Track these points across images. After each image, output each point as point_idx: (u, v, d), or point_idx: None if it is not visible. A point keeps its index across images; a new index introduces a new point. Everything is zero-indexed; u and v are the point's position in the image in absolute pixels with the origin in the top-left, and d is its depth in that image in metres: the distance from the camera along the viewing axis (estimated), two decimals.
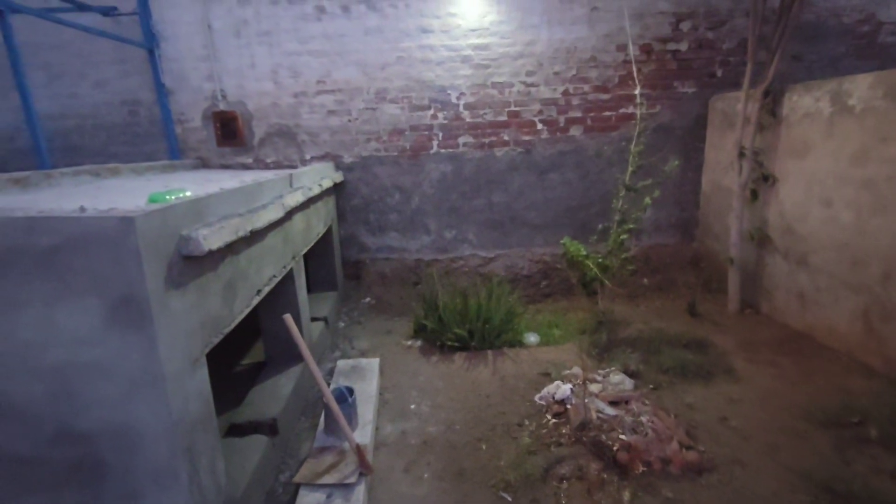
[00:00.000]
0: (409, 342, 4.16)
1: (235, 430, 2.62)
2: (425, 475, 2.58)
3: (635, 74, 4.46)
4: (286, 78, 4.70)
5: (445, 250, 5.19)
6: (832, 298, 3.64)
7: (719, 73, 4.97)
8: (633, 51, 4.67)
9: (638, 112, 4.32)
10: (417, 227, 5.11)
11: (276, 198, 2.85)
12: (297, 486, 2.38)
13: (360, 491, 2.34)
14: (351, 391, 2.87)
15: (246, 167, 4.89)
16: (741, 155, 4.21)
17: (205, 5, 4.52)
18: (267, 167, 4.87)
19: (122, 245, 1.46)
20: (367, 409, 3.01)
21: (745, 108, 4.18)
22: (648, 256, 5.29)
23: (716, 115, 4.92)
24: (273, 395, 2.94)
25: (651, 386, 3.33)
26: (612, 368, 3.48)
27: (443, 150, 4.96)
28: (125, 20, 4.52)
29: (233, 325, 2.14)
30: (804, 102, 3.80)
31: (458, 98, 4.84)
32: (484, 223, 5.15)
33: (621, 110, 4.96)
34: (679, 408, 3.05)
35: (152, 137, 4.85)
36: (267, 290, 2.67)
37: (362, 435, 2.77)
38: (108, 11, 4.44)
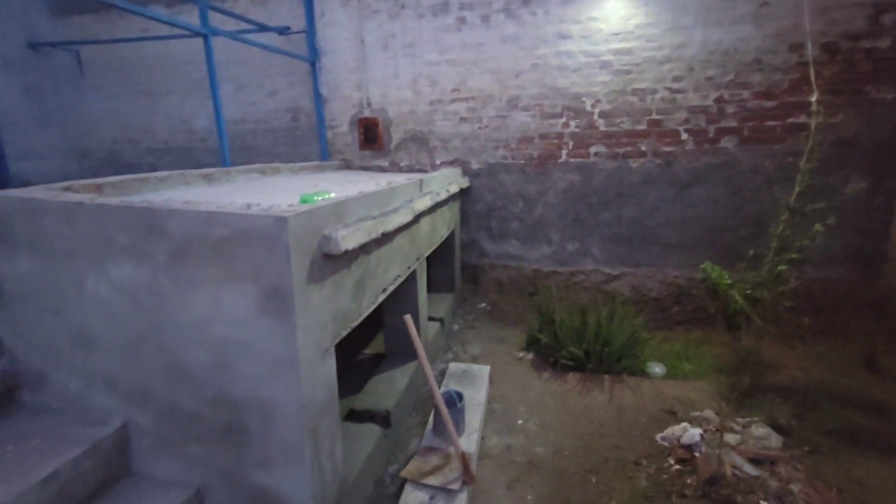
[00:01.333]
0: (521, 354, 4.08)
1: (353, 416, 2.82)
2: (528, 497, 2.50)
3: (812, 78, 3.80)
4: (424, 87, 4.94)
5: (566, 263, 4.99)
6: None
7: None
8: (810, 50, 3.99)
9: (813, 122, 3.69)
10: (538, 236, 5.00)
11: (406, 202, 3.00)
12: (403, 480, 2.48)
13: (462, 499, 2.35)
14: (461, 396, 2.90)
15: (382, 170, 5.26)
16: None
17: (360, 22, 4.97)
18: (400, 170, 5.17)
19: (276, 241, 1.64)
20: (474, 416, 3.02)
21: None
22: (812, 292, 4.47)
23: None
24: (389, 389, 3.10)
25: (806, 448, 2.80)
26: (755, 419, 3.01)
27: (572, 160, 4.77)
28: (295, 38, 5.16)
29: (360, 320, 2.30)
30: None
31: (592, 106, 4.62)
32: (610, 238, 4.84)
33: (789, 120, 4.26)
34: (844, 482, 2.53)
35: (308, 140, 5.47)
36: (392, 288, 2.82)
37: (468, 442, 2.79)
38: (283, 31, 5.11)
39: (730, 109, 4.40)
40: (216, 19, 4.58)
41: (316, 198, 2.29)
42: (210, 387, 1.84)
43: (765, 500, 2.28)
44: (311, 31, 5.05)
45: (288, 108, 5.44)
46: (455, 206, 4.78)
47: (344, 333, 2.14)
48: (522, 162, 4.89)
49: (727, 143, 4.46)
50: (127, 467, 1.97)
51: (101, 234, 1.82)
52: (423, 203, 3.24)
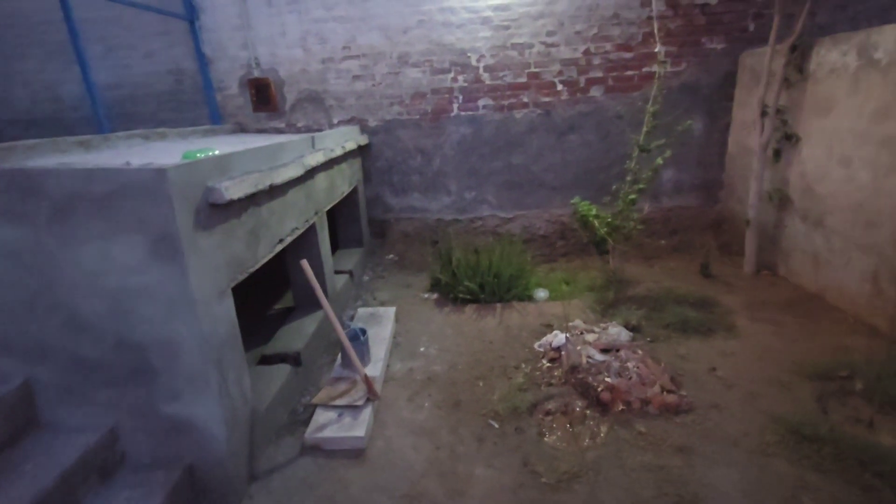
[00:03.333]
0: (426, 295, 4.48)
1: (265, 360, 3.05)
2: (426, 404, 2.92)
3: (656, 31, 4.38)
4: (314, 44, 4.94)
5: (465, 210, 5.40)
6: (844, 260, 3.62)
7: (752, 27, 4.77)
8: (655, 6, 4.56)
9: (657, 71, 4.28)
10: (438, 188, 5.34)
11: (297, 157, 3.16)
12: (314, 406, 2.79)
13: (367, 412, 2.71)
14: (364, 331, 3.23)
15: (279, 131, 5.24)
16: (764, 113, 4.12)
17: None
18: (298, 131, 5.20)
19: (158, 192, 1.79)
20: (380, 349, 3.38)
21: (769, 64, 4.05)
22: (668, 218, 5.30)
23: (745, 73, 4.75)
24: (298, 333, 3.34)
25: (649, 339, 3.49)
26: (613, 322, 3.66)
27: (463, 113, 5.10)
28: None
29: (256, 267, 2.50)
30: (831, 57, 3.65)
31: (477, 60, 4.93)
32: (503, 185, 5.30)
33: (644, 69, 4.88)
34: (671, 358, 3.22)
35: (195, 104, 5.27)
36: (289, 239, 3.02)
37: (373, 370, 3.14)
38: None
39: (596, 61, 4.92)
40: None
41: (198, 154, 2.40)
42: (111, 334, 1.98)
43: (608, 377, 2.89)
44: None
45: (169, 71, 5.18)
46: (356, 164, 4.95)
47: (241, 278, 2.34)
48: (417, 117, 5.14)
49: (595, 92, 5.01)
50: (35, 420, 2.07)
51: None
52: (316, 158, 3.41)
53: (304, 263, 2.83)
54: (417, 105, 5.09)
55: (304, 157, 3.22)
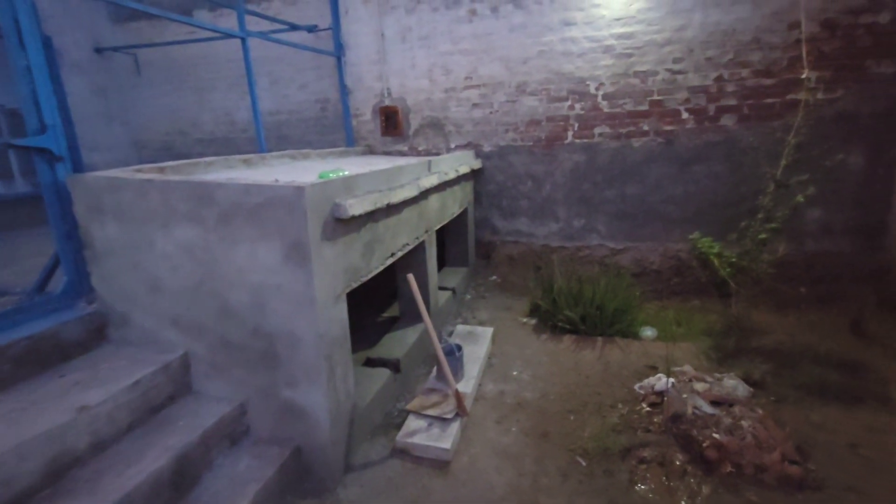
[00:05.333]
0: (525, 319, 4.48)
1: (369, 363, 3.33)
2: (513, 429, 2.93)
3: (804, 55, 3.94)
4: (439, 75, 5.33)
5: (573, 238, 5.31)
6: None
7: None
8: (806, 28, 4.11)
9: (803, 98, 3.86)
10: (547, 214, 5.34)
11: (413, 179, 3.45)
12: (408, 412, 2.96)
13: (455, 427, 2.81)
14: (459, 347, 3.35)
15: (402, 154, 5.71)
16: None
17: (380, 17, 5.39)
18: (419, 154, 5.61)
19: (296, 206, 2.13)
20: (474, 367, 3.47)
21: None
22: (812, 264, 4.63)
23: None
24: (400, 343, 3.58)
25: (773, 398, 3.10)
26: (730, 374, 3.31)
27: (577, 141, 5.07)
28: (322, 35, 5.65)
29: (369, 276, 2.78)
30: None
31: (596, 88, 4.88)
32: (615, 214, 5.12)
33: (789, 96, 4.40)
34: (800, 425, 2.82)
35: (335, 128, 5.99)
36: (400, 254, 3.29)
37: (465, 385, 3.24)
38: (311, 29, 5.61)
39: (729, 88, 4.57)
40: (252, 21, 5.12)
41: (331, 174, 2.77)
42: (250, 322, 2.36)
43: (717, 433, 2.62)
44: (336, 27, 5.52)
45: (317, 100, 5.97)
46: (468, 186, 5.18)
47: (355, 285, 2.62)
48: (531, 144, 5.22)
49: (727, 120, 4.64)
50: (189, 386, 2.54)
51: (166, 204, 2.36)
52: (430, 181, 3.67)
53: (410, 277, 3.05)
54: (532, 132, 5.19)
55: (420, 180, 3.49)
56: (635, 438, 2.77)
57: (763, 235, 3.68)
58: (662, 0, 4.51)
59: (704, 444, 2.58)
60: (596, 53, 4.81)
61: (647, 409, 3.03)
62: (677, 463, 2.57)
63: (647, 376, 3.38)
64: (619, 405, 3.10)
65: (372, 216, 2.77)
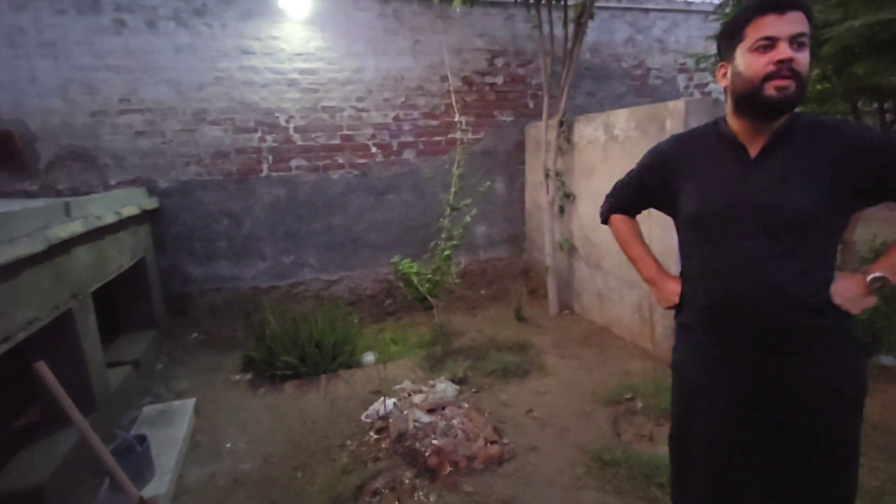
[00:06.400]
0: (238, 377, 3.89)
1: None
2: None
3: (454, 104, 4.85)
4: (80, 94, 4.17)
5: (284, 276, 5.00)
6: (619, 295, 4.30)
7: (531, 104, 5.64)
8: (452, 82, 5.09)
9: (458, 137, 4.72)
10: (251, 253, 4.86)
11: (37, 229, 2.50)
12: None
13: None
14: (143, 438, 2.58)
15: (29, 195, 4.19)
16: (547, 176, 4.80)
17: None
18: (59, 194, 4.22)
19: None
20: (169, 457, 2.74)
21: (545, 136, 4.79)
22: (485, 270, 5.71)
23: (530, 141, 5.56)
24: (45, 458, 2.51)
25: (474, 390, 3.55)
26: (441, 378, 3.65)
27: (274, 174, 4.82)
28: None
29: None
30: (587, 131, 4.49)
31: (287, 121, 4.77)
32: (324, 246, 5.09)
33: (450, 136, 5.33)
34: (494, 406, 3.30)
35: None
36: (23, 335, 2.30)
37: (159, 486, 2.51)
38: None
39: (406, 126, 5.21)
40: None
41: None
42: None
43: (435, 439, 2.79)
44: None
45: None
46: (142, 231, 4.20)
47: None
48: (221, 178, 4.67)
49: (408, 154, 5.27)
50: None
51: None
52: (70, 229, 2.75)
53: (41, 366, 2.15)
54: (220, 165, 4.64)
55: (51, 229, 2.56)
56: (366, 472, 2.68)
57: (447, 252, 4.28)
58: (338, 41, 4.79)
59: (426, 454, 2.70)
60: (281, 86, 4.70)
61: (375, 436, 3.01)
62: (406, 482, 2.60)
63: (373, 402, 3.39)
64: (348, 442, 2.97)
65: None
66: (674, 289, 1.58)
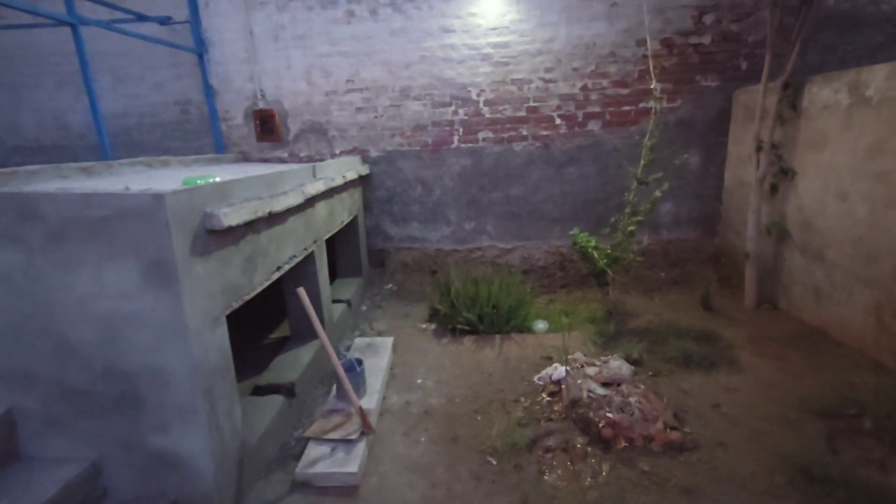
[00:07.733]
0: (424, 325, 4.42)
1: (258, 391, 2.97)
2: (422, 439, 2.83)
3: (651, 69, 4.49)
4: (318, 78, 5.07)
5: (465, 241, 5.41)
6: (846, 294, 3.58)
7: (744, 65, 4.90)
8: (650, 45, 4.70)
9: (653, 106, 4.38)
10: (438, 218, 5.36)
11: (297, 186, 3.18)
12: (307, 440, 2.70)
13: (361, 447, 2.62)
14: (360, 362, 3.16)
15: (282, 161, 5.31)
16: (759, 149, 4.17)
17: (247, 13, 4.96)
18: (300, 160, 5.26)
19: (154, 217, 1.79)
20: (376, 380, 3.30)
21: (763, 102, 4.14)
22: (667, 251, 5.29)
23: (739, 109, 4.85)
24: (293, 364, 3.27)
25: (651, 373, 3.42)
26: (614, 356, 3.59)
27: (463, 145, 5.18)
28: (179, 28, 5.02)
29: (252, 294, 2.47)
30: (823, 94, 3.73)
31: (478, 95, 5.04)
32: (502, 215, 5.33)
33: (641, 105, 4.99)
34: (674, 393, 3.14)
35: (201, 134, 5.36)
36: (287, 267, 3.00)
37: (369, 402, 3.06)
38: (164, 21, 4.95)
39: (593, 97, 5.03)
40: (86, 7, 4.34)
41: (199, 181, 2.41)
42: (99, 361, 1.93)
43: (610, 412, 2.81)
44: (195, 21, 4.95)
45: (176, 101, 5.29)
46: (356, 193, 4.99)
47: (236, 305, 2.30)
48: (418, 148, 5.21)
49: (593, 126, 5.10)
50: (15, 451, 2.00)
51: None
52: (316, 187, 3.43)
53: (301, 292, 2.80)
54: (418, 137, 5.17)
55: (305, 186, 3.24)
56: (539, 429, 2.85)
57: (631, 228, 4.09)
58: (532, 13, 4.82)
59: (601, 425, 2.74)
60: (475, 61, 4.97)
61: (548, 398, 3.15)
62: (579, 446, 2.69)
63: (544, 367, 3.53)
64: (522, 399, 3.18)
65: (252, 226, 2.47)
66: None
